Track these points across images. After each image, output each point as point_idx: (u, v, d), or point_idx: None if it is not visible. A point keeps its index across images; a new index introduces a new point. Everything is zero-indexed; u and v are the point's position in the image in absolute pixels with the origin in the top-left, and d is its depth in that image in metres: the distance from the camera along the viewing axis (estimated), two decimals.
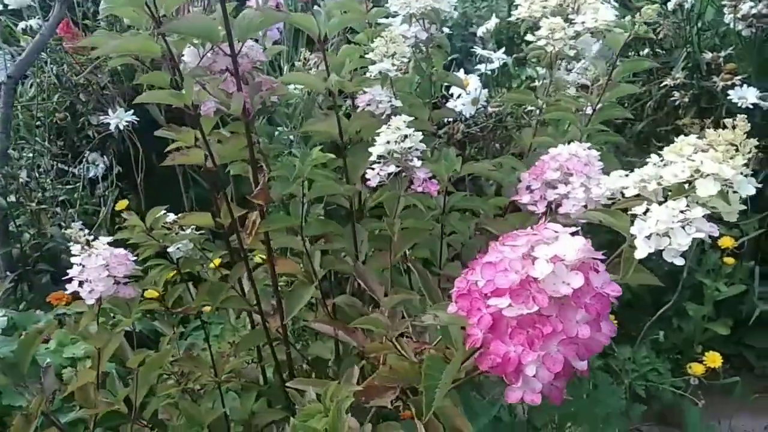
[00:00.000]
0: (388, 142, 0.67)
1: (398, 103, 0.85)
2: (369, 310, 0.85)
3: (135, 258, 0.88)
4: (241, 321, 1.21)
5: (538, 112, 0.95)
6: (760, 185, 0.53)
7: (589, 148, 0.66)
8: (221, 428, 0.97)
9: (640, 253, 0.50)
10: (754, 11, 1.35)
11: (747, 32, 1.43)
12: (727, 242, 1.56)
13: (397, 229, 0.68)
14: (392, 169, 0.67)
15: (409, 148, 0.67)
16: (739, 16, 1.38)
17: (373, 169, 0.68)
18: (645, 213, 0.51)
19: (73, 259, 0.70)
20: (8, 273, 1.40)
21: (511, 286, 0.37)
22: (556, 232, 0.40)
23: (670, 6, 1.51)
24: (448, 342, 0.53)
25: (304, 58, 1.01)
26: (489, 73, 1.66)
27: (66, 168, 2.14)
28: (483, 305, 0.39)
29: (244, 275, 0.92)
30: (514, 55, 1.58)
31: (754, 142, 0.51)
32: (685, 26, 1.55)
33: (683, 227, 0.49)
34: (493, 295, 0.38)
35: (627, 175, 0.56)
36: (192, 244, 0.91)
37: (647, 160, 0.54)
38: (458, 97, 1.44)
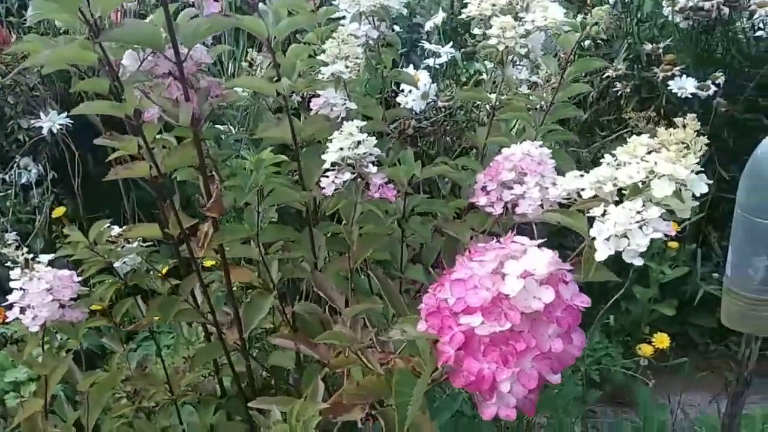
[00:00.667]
0: (341, 149, 0.66)
1: (353, 105, 0.84)
2: (329, 316, 0.83)
3: (79, 275, 0.84)
4: (193, 331, 1.17)
5: (489, 108, 0.95)
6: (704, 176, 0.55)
7: (541, 146, 0.67)
8: None
9: (601, 255, 0.51)
10: (690, 4, 1.40)
11: (684, 24, 1.48)
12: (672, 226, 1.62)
13: (356, 237, 0.67)
14: (347, 176, 0.65)
15: (363, 153, 0.66)
16: (677, 8, 1.43)
17: (327, 176, 0.67)
18: (603, 215, 0.51)
19: (12, 284, 0.65)
20: None
21: (482, 304, 0.37)
22: (523, 245, 0.39)
23: None
24: (414, 352, 0.52)
25: (251, 59, 0.98)
26: (437, 67, 1.66)
27: None
28: (454, 323, 0.38)
29: (197, 286, 0.89)
30: (462, 50, 1.58)
31: (704, 140, 0.52)
32: (625, 18, 1.59)
33: (641, 227, 0.50)
34: (464, 313, 0.38)
35: (582, 176, 0.56)
36: (139, 257, 0.87)
37: (601, 160, 0.55)
38: (409, 92, 1.44)
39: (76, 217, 1.79)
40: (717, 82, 1.46)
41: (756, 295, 0.80)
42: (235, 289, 1.01)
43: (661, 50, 1.53)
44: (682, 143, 0.52)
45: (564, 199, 0.58)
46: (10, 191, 1.90)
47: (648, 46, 1.56)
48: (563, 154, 0.81)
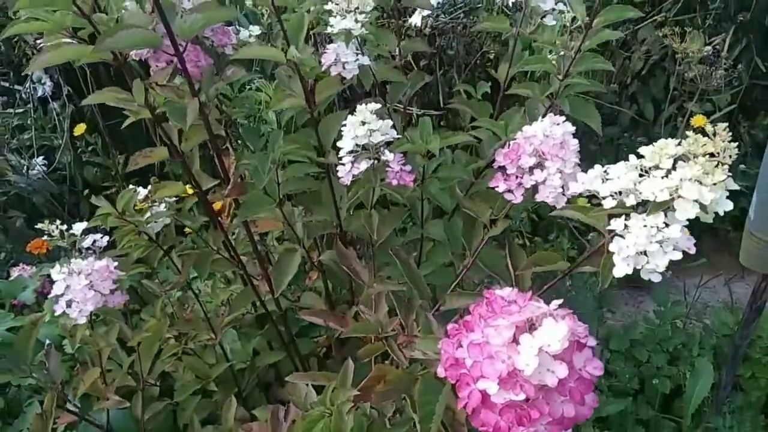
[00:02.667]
0: (356, 136, 0.65)
1: (366, 61, 0.80)
2: (354, 265, 0.86)
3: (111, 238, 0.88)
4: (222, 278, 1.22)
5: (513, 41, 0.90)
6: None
7: (564, 121, 0.64)
8: (227, 377, 1.03)
9: (619, 272, 0.51)
10: None
11: None
12: (699, 120, 1.57)
13: (376, 223, 0.68)
14: (365, 166, 0.65)
15: (379, 142, 0.64)
16: None
17: (343, 164, 0.66)
18: (624, 228, 0.51)
19: (54, 276, 0.69)
20: None
21: (498, 375, 0.39)
22: (540, 308, 0.41)
23: None
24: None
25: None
26: None
27: (9, 86, 2.00)
28: (472, 381, 0.41)
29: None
30: None
31: (734, 150, 0.50)
32: None
33: (661, 245, 0.50)
34: (481, 377, 0.40)
35: (603, 180, 0.55)
36: (168, 219, 0.90)
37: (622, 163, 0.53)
38: None
39: (93, 127, 1.80)
40: None
41: None
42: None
43: None
44: (711, 155, 0.50)
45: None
46: (29, 106, 1.90)
47: None
48: (589, 109, 0.78)
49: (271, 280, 0.86)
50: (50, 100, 1.93)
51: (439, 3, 1.47)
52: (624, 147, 1.87)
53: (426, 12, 1.30)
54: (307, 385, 0.68)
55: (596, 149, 1.81)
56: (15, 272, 1.29)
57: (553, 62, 0.79)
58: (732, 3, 1.43)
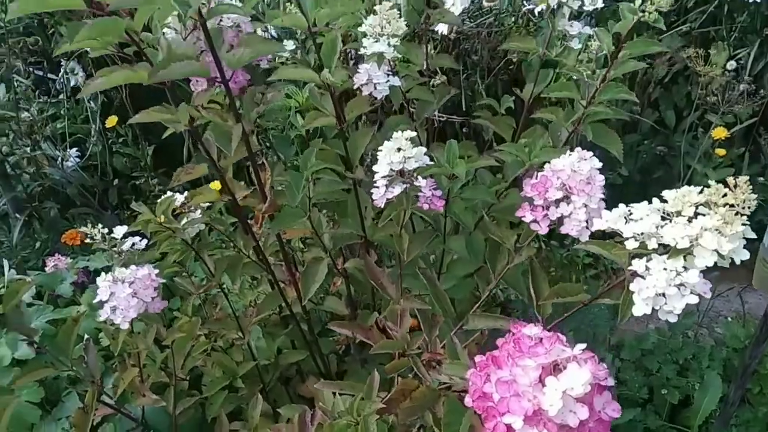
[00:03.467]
0: (392, 162, 0.68)
1: (396, 82, 0.83)
2: (376, 273, 0.89)
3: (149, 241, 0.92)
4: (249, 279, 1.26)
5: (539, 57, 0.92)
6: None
7: (592, 156, 0.67)
8: (252, 373, 1.08)
9: (638, 311, 0.55)
10: None
11: None
12: (720, 132, 1.58)
13: (406, 244, 0.71)
14: (398, 191, 0.68)
15: (414, 169, 0.68)
16: None
17: (377, 187, 0.69)
18: (645, 269, 0.54)
19: (100, 284, 0.74)
20: (17, 215, 1.43)
21: (524, 412, 0.43)
22: (565, 350, 0.44)
23: None
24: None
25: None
26: None
27: (43, 75, 2.05)
28: (498, 414, 0.45)
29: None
30: None
31: (753, 202, 0.53)
32: None
33: (679, 288, 0.53)
34: (508, 412, 0.44)
35: (630, 214, 0.58)
36: (203, 225, 0.94)
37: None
38: (452, 5, 1.35)
39: (125, 117, 1.84)
40: None
41: None
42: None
43: None
44: (730, 206, 0.52)
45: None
46: (62, 96, 1.94)
47: None
48: (611, 136, 0.80)
49: (299, 287, 0.90)
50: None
51: (464, 8, 1.49)
52: (643, 154, 1.88)
53: (458, 11, 1.32)
54: (334, 394, 0.72)
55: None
56: (50, 262, 1.34)
57: (577, 84, 0.81)
58: (758, 17, 1.43)
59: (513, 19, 1.48)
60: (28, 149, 1.40)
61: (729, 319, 1.80)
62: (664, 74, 1.78)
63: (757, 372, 1.22)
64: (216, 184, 1.32)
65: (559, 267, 1.63)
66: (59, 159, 1.52)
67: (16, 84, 1.76)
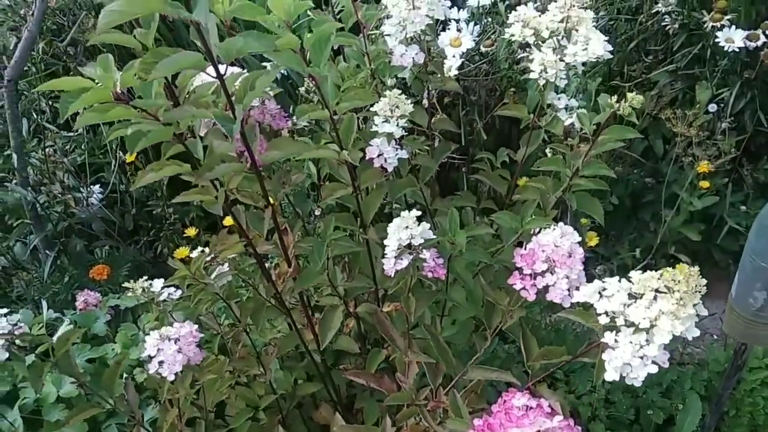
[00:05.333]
0: (399, 239, 0.79)
1: (404, 155, 0.94)
2: (384, 320, 1.00)
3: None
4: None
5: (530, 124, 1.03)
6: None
7: (573, 232, 0.78)
8: (272, 405, 1.19)
9: (610, 377, 0.65)
10: None
11: None
12: (704, 167, 1.69)
13: (413, 307, 0.82)
14: (406, 263, 0.79)
15: (420, 244, 0.79)
16: None
17: (387, 257, 0.80)
18: (615, 342, 0.65)
19: (149, 341, 0.85)
20: (48, 252, 1.54)
21: None
22: (545, 422, 0.55)
23: None
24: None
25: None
26: (480, 9, 1.64)
27: None
28: None
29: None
30: (507, 2, 1.56)
31: (703, 288, 0.63)
32: None
33: (641, 359, 0.63)
34: None
35: (603, 290, 0.68)
36: (230, 276, 1.05)
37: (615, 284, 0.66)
38: (452, 57, 1.47)
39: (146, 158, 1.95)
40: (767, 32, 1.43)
41: (753, 318, 0.94)
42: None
43: None
44: (685, 292, 0.63)
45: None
46: (81, 129, 2.05)
47: None
48: (594, 204, 0.91)
49: (316, 331, 1.01)
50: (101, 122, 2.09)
51: (463, 53, 1.60)
52: (633, 181, 1.99)
53: (454, 72, 1.44)
54: None
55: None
56: (80, 297, 1.45)
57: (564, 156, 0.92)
58: (738, 61, 1.54)
59: (507, 64, 1.58)
60: (55, 190, 1.51)
61: (714, 336, 1.91)
62: (653, 107, 1.89)
63: (732, 395, 1.33)
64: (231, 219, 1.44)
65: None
66: (83, 196, 1.63)
67: (37, 119, 1.87)
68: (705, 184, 1.71)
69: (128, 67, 0.66)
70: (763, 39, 1.44)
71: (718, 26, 1.44)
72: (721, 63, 1.59)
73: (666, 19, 1.62)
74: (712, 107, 1.55)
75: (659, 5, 1.60)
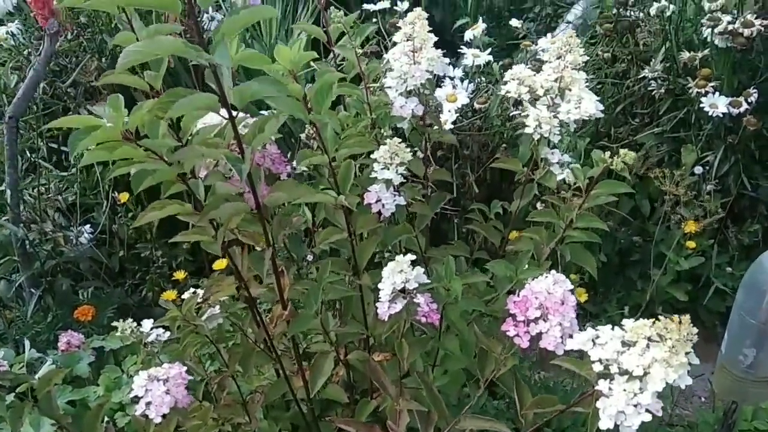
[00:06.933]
0: (394, 283, 0.79)
1: (402, 201, 0.96)
2: (376, 367, 0.99)
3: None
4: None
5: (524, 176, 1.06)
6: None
7: (565, 280, 0.79)
8: None
9: (604, 425, 0.65)
10: (730, 28, 1.41)
11: (723, 44, 1.49)
12: (691, 226, 1.72)
13: (406, 352, 0.82)
14: (400, 307, 0.79)
15: (414, 289, 0.79)
16: (716, 31, 1.44)
17: (382, 301, 0.81)
18: (609, 389, 0.65)
19: (137, 381, 0.83)
20: (33, 291, 1.52)
21: None
22: None
23: (653, 11, 1.54)
24: None
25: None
26: (474, 68, 1.71)
27: (57, 146, 2.17)
28: None
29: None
30: (501, 63, 1.63)
31: (695, 337, 0.64)
32: (664, 26, 1.59)
33: (635, 407, 0.63)
34: None
35: (593, 345, 0.69)
36: (221, 319, 1.04)
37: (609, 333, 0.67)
38: (447, 111, 1.51)
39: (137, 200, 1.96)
40: (749, 99, 1.49)
41: (743, 375, 0.94)
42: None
43: (697, 61, 1.55)
44: (677, 340, 0.64)
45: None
46: (74, 169, 2.06)
47: (686, 55, 1.57)
48: (587, 256, 0.92)
49: (306, 378, 1.00)
50: (95, 164, 2.10)
51: (458, 108, 1.65)
52: (621, 239, 2.02)
53: (449, 126, 1.48)
54: None
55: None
56: (63, 338, 1.42)
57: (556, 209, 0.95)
58: (722, 126, 1.60)
59: (500, 121, 1.63)
60: (46, 228, 1.51)
61: (702, 399, 1.90)
62: (641, 166, 1.94)
63: None
64: (221, 263, 1.43)
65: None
66: (73, 236, 1.62)
67: (31, 157, 1.88)
68: (691, 244, 1.74)
69: (137, 107, 0.68)
70: (745, 105, 1.50)
71: (703, 92, 1.50)
72: (705, 127, 1.65)
73: (652, 84, 1.69)
74: (698, 169, 1.59)
75: (646, 71, 1.67)
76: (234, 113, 0.71)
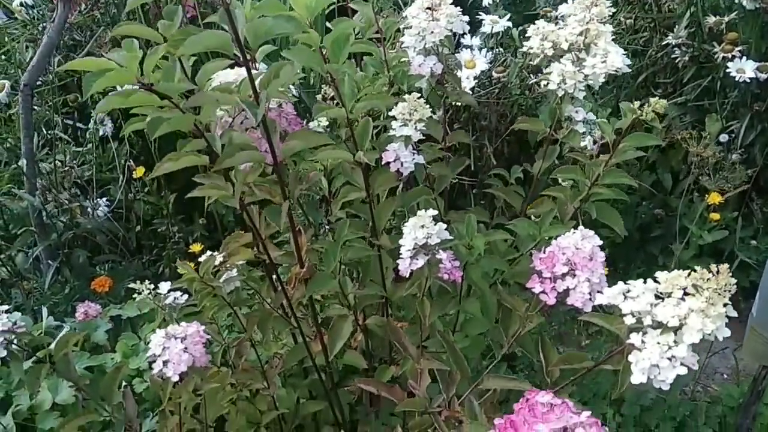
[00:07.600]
0: (416, 238, 0.77)
1: (421, 160, 0.93)
2: (396, 329, 0.97)
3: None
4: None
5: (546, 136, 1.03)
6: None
7: (593, 235, 0.76)
8: (274, 423, 1.15)
9: (636, 380, 0.63)
10: None
11: (751, 6, 1.44)
12: (714, 198, 1.68)
13: (428, 310, 0.80)
14: (422, 263, 0.77)
15: (436, 244, 0.77)
16: None
17: (403, 258, 0.78)
18: (642, 343, 0.62)
19: (154, 339, 0.82)
20: (50, 262, 1.52)
21: None
22: (572, 418, 0.52)
23: None
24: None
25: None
26: (493, 35, 1.67)
27: (73, 124, 2.17)
28: None
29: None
30: (520, 28, 1.59)
31: (733, 286, 0.61)
32: None
33: (670, 360, 0.61)
34: None
35: (628, 292, 0.66)
36: (239, 282, 1.02)
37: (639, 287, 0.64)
38: (465, 78, 1.48)
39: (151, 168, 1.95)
40: None
41: None
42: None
43: (724, 25, 1.50)
44: (715, 291, 0.61)
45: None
46: (90, 145, 2.06)
47: (711, 19, 1.52)
48: (613, 214, 0.89)
49: (325, 342, 0.98)
50: (111, 139, 2.10)
51: (476, 75, 1.61)
52: (642, 214, 1.98)
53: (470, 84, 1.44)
54: None
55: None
56: (80, 308, 1.42)
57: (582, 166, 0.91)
58: (748, 93, 1.55)
59: (519, 90, 1.60)
60: (63, 199, 1.50)
61: (725, 375, 1.87)
62: (663, 139, 1.90)
63: (750, 430, 1.29)
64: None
65: (562, 323, 1.70)
66: (90, 208, 1.62)
67: (47, 134, 1.88)
68: (715, 216, 1.70)
69: (153, 51, 0.66)
70: None
71: (729, 57, 1.46)
72: (731, 95, 1.60)
73: (676, 52, 1.64)
74: (723, 137, 1.55)
75: (669, 38, 1.62)
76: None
